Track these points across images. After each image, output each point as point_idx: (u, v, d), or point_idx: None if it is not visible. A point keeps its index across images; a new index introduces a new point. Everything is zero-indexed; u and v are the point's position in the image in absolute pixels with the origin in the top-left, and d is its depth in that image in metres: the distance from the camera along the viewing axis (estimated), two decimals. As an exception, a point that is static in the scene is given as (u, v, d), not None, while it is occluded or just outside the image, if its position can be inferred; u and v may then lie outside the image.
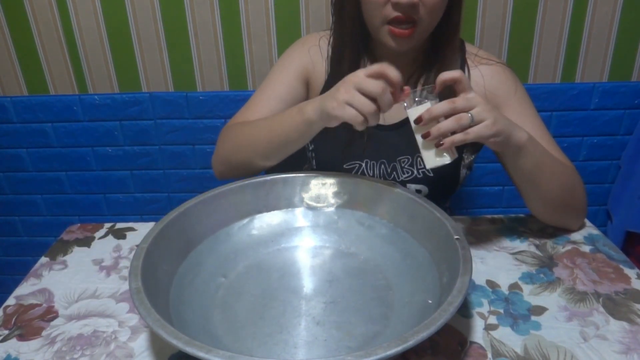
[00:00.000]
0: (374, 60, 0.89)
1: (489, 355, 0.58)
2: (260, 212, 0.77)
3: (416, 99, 0.67)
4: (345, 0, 0.81)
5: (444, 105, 0.64)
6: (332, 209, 0.78)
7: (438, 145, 0.65)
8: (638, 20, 1.30)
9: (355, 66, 0.85)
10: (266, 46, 1.35)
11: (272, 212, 0.78)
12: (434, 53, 0.84)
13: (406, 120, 0.85)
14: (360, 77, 0.66)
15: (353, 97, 0.65)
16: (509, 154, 0.72)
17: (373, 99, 0.65)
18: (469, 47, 0.88)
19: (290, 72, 0.91)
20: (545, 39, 1.33)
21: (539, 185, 0.76)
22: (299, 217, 0.78)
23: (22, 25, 1.35)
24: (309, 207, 0.78)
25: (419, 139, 0.67)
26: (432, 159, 0.67)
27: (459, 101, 0.64)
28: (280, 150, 0.80)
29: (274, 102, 0.88)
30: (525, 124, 0.82)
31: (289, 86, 0.90)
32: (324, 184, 0.78)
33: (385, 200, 0.74)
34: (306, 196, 0.78)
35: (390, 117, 0.88)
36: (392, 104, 0.66)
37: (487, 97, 0.84)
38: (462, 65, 0.86)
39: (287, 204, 0.78)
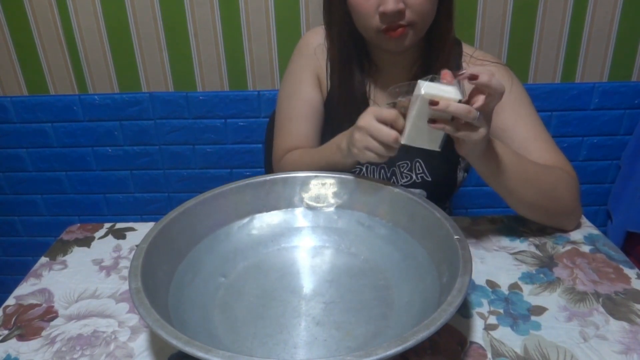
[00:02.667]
0: (373, 65, 0.89)
1: (489, 355, 0.58)
2: (260, 212, 0.77)
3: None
4: (332, 15, 0.82)
5: (462, 107, 0.62)
6: (332, 209, 0.78)
7: (431, 122, 0.64)
8: (638, 20, 1.30)
9: (347, 76, 0.86)
10: (266, 46, 1.35)
11: (272, 212, 0.78)
12: (431, 54, 0.84)
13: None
14: (372, 126, 0.68)
15: (369, 143, 0.69)
16: (472, 160, 0.72)
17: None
18: (465, 48, 0.88)
19: (305, 86, 0.92)
20: (545, 39, 1.33)
21: (509, 190, 0.75)
22: (299, 217, 0.78)
23: (22, 25, 1.35)
24: (309, 207, 0.78)
25: (419, 111, 0.64)
26: (416, 138, 0.67)
27: (478, 103, 0.63)
28: None
29: (303, 124, 0.91)
30: (518, 124, 0.82)
31: (309, 102, 0.91)
32: (323, 184, 0.78)
33: (385, 200, 0.74)
34: (306, 196, 0.78)
35: None
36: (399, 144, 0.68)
37: None
38: (458, 67, 0.86)
39: (287, 204, 0.78)
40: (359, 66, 0.86)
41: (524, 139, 0.80)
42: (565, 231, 0.82)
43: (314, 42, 0.92)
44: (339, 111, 0.88)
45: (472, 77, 0.61)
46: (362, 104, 0.87)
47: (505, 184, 0.75)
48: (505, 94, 0.82)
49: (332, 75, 0.89)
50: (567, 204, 0.79)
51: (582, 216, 0.85)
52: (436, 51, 0.82)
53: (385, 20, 0.74)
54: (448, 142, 0.70)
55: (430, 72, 0.84)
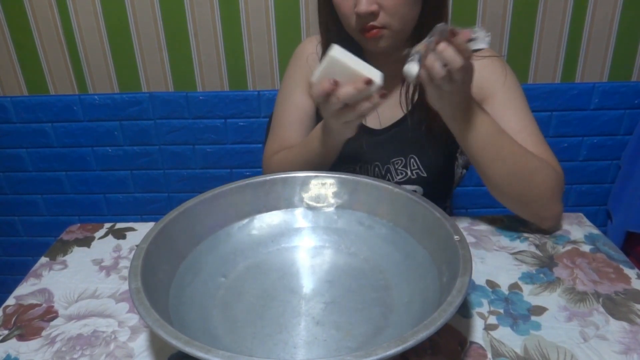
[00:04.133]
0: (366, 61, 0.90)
1: (489, 355, 0.58)
2: (260, 212, 0.77)
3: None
4: (321, 15, 0.84)
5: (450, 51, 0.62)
6: (332, 209, 0.78)
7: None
8: (638, 20, 1.30)
9: None
10: (266, 46, 1.35)
11: (272, 212, 0.78)
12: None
13: (398, 123, 0.87)
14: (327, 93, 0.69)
15: (341, 112, 0.69)
16: (444, 119, 0.73)
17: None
18: None
19: (297, 92, 0.94)
20: (545, 39, 1.33)
21: (482, 164, 0.75)
22: (299, 217, 0.78)
23: (22, 25, 1.35)
24: (309, 207, 0.78)
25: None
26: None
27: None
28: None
29: (293, 127, 0.93)
30: (507, 116, 0.81)
31: (300, 107, 0.94)
32: (323, 184, 0.78)
33: (385, 200, 0.74)
34: (306, 196, 0.78)
35: (384, 120, 0.89)
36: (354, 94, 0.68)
37: (474, 92, 0.84)
38: None
39: (287, 204, 0.78)
40: None
41: (512, 130, 0.79)
42: (568, 231, 0.82)
43: (307, 50, 0.95)
44: None
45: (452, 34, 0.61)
46: None
47: (479, 155, 0.74)
48: (498, 86, 0.83)
49: None
50: (543, 193, 0.76)
51: (583, 216, 0.85)
52: None
53: (359, 21, 0.76)
54: (444, 136, 0.72)
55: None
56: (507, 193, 0.77)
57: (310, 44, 0.95)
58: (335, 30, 0.83)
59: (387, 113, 0.89)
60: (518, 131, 0.80)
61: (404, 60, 0.74)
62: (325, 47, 0.87)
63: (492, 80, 0.83)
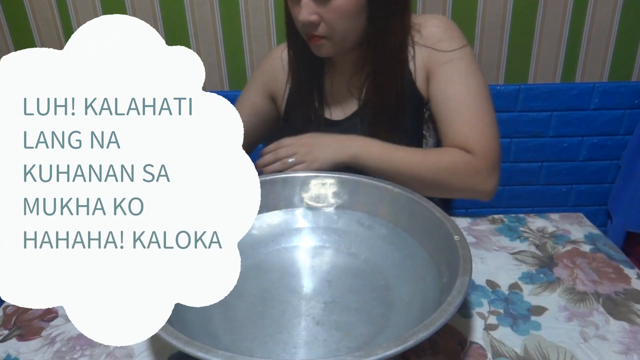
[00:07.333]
0: (329, 63, 0.94)
1: (489, 355, 0.58)
2: (260, 212, 0.77)
3: None
4: (287, 16, 0.87)
5: (269, 158, 0.83)
6: (332, 209, 0.78)
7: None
8: (638, 20, 1.30)
9: (306, 72, 0.92)
10: (266, 46, 1.35)
11: (272, 212, 0.78)
12: (370, 55, 0.85)
13: (352, 115, 0.92)
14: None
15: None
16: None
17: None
18: (413, 22, 0.88)
19: (254, 90, 1.01)
20: (545, 39, 1.33)
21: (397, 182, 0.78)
22: (299, 217, 0.78)
23: (22, 25, 1.35)
24: (309, 207, 0.78)
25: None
26: None
27: (281, 151, 0.82)
28: None
29: (244, 123, 0.98)
30: (447, 92, 0.82)
31: (252, 104, 1.01)
32: (323, 184, 0.78)
33: (385, 200, 0.74)
34: (306, 196, 0.78)
35: (341, 112, 0.93)
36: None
37: (430, 53, 0.85)
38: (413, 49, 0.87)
39: (287, 204, 0.78)
40: (314, 64, 0.92)
41: (453, 106, 0.82)
42: (568, 231, 0.82)
43: (273, 56, 1.00)
44: (302, 110, 0.96)
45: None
46: (314, 100, 0.95)
47: (390, 178, 0.80)
48: (439, 59, 0.83)
49: (293, 72, 0.94)
50: (465, 184, 0.81)
51: (583, 216, 0.85)
52: (374, 53, 0.84)
53: (302, 28, 0.80)
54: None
55: (371, 70, 0.86)
56: (432, 193, 0.82)
57: (277, 50, 0.99)
58: (295, 32, 0.86)
59: (345, 105, 0.93)
60: (455, 117, 0.82)
61: (358, 62, 0.86)
62: (291, 49, 0.91)
63: (435, 54, 0.84)
